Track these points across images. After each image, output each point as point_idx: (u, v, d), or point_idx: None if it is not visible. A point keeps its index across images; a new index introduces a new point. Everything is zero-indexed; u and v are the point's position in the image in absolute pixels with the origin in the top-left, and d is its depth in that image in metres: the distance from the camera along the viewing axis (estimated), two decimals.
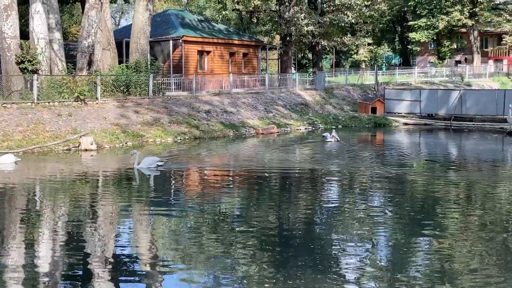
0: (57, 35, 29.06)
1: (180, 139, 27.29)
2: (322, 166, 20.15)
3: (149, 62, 32.81)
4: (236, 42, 43.13)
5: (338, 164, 20.56)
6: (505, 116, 31.26)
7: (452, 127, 34.19)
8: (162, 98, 31.14)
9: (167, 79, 34.10)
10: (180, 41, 38.39)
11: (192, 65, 39.10)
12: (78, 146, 23.52)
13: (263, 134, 30.11)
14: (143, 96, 30.25)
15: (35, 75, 26.18)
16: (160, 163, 18.79)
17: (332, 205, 13.88)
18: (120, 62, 33.78)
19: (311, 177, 18.03)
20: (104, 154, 23.03)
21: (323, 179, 17.57)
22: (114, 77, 29.88)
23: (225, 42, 42.01)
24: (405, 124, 36.21)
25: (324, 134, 28.98)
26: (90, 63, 29.47)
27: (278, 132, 31.20)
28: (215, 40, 41.20)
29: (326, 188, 16.28)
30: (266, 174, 18.41)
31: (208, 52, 40.72)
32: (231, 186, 16.52)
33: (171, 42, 38.54)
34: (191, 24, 42.25)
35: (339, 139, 27.15)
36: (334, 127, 33.69)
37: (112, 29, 35.41)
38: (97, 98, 27.95)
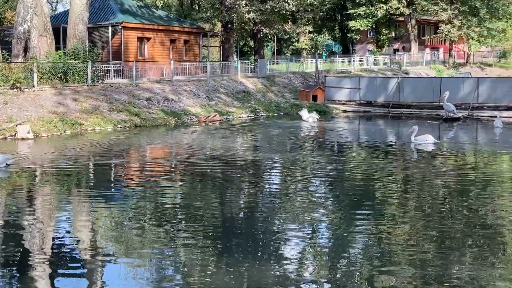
0: None
1: (121, 127, 26.87)
2: (264, 153, 20.24)
3: (87, 49, 32.09)
4: (177, 28, 42.66)
5: (279, 151, 20.70)
6: (441, 103, 32.12)
7: (390, 114, 34.93)
8: (102, 85, 30.54)
9: (107, 66, 33.45)
10: (120, 27, 37.67)
11: (132, 52, 38.47)
12: (15, 135, 22.83)
13: (205, 122, 29.97)
14: (82, 84, 29.59)
15: None
16: (9, 162, 16.28)
17: (274, 192, 13.98)
18: (57, 48, 32.88)
19: (253, 164, 18.09)
20: (38, 143, 22.44)
21: (265, 166, 17.66)
22: (51, 64, 29.09)
23: (166, 29, 41.49)
24: (345, 111, 36.75)
25: (301, 113, 30.67)
26: (26, 50, 28.58)
27: (220, 120, 31.12)
28: (156, 27, 40.63)
29: (268, 176, 16.38)
30: (207, 163, 18.37)
31: (148, 39, 40.13)
32: (164, 177, 16.41)
33: (110, 28, 37.76)
34: (131, 10, 41.48)
35: (318, 118, 29.63)
36: (278, 114, 33.95)
37: (49, 15, 34.41)
38: (33, 86, 27.17)
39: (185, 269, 8.42)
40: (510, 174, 16.39)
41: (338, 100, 38.42)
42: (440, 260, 8.63)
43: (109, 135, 24.81)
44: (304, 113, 30.91)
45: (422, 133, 22.16)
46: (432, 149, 20.64)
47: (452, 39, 56.16)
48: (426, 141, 21.48)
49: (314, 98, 38.14)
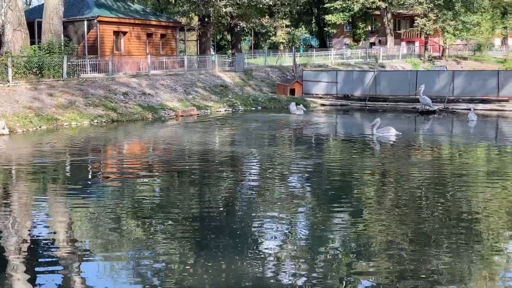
0: None
1: (97, 122, 26.67)
2: (242, 148, 20.26)
3: (62, 43, 31.74)
4: (153, 22, 42.39)
5: (258, 145, 20.73)
6: (417, 96, 32.42)
7: (367, 107, 35.15)
8: (77, 80, 30.25)
9: (82, 61, 33.13)
10: (95, 21, 37.31)
11: (108, 46, 38.14)
12: None
13: (182, 116, 29.88)
14: (57, 79, 29.27)
15: None
16: None
17: (252, 186, 14.01)
18: (32, 43, 32.45)
19: (232, 159, 18.10)
20: (13, 139, 22.20)
21: (243, 161, 17.68)
22: (26, 58, 28.72)
23: (142, 23, 41.20)
24: (323, 105, 36.90)
25: (289, 106, 31.92)
26: (0, 45, 28.16)
27: (198, 114, 31.03)
28: (132, 21, 40.32)
29: (246, 170, 16.41)
30: (185, 158, 18.34)
31: (124, 33, 39.82)
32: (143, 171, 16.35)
33: (85, 22, 37.38)
34: (107, 4, 41.09)
35: (304, 111, 30.71)
36: (256, 108, 34.01)
37: (24, 9, 33.90)
38: (8, 81, 26.81)
39: (164, 264, 8.42)
40: (484, 167, 16.62)
41: (316, 94, 38.56)
42: (416, 254, 8.74)
43: (85, 130, 24.62)
44: (292, 106, 31.96)
45: (385, 126, 22.65)
46: (394, 141, 20.89)
47: (428, 33, 56.65)
48: (388, 133, 21.85)
49: (292, 91, 38.23)
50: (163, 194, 13.10)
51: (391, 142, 20.84)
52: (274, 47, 67.11)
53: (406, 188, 13.34)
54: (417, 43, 63.93)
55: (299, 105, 32.26)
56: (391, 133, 21.83)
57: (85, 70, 32.78)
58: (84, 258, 8.77)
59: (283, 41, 65.35)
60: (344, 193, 12.88)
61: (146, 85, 32.73)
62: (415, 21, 56.85)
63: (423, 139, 23.03)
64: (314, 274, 8.06)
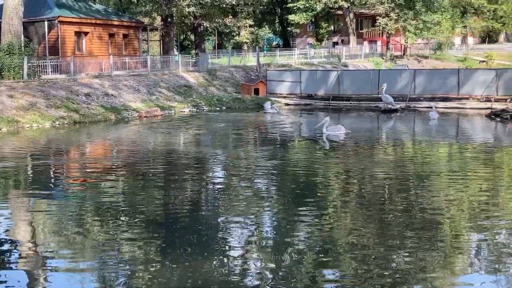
0: None
1: (59, 124, 26.27)
2: (207, 148, 20.21)
3: (23, 44, 31.17)
4: (115, 22, 41.94)
5: (222, 146, 20.70)
6: (379, 95, 32.78)
7: (331, 106, 35.40)
8: (38, 81, 29.74)
9: (43, 62, 32.60)
10: (56, 21, 36.73)
11: (70, 47, 37.60)
12: None
13: (146, 117, 29.65)
14: (18, 80, 28.75)
15: None
16: None
17: (218, 186, 13.99)
18: None
19: (196, 160, 18.02)
20: None
21: (208, 162, 17.63)
22: None
23: (104, 23, 40.72)
24: (287, 104, 37.01)
25: (264, 105, 32.49)
26: None
27: (162, 114, 30.83)
28: (94, 21, 39.83)
29: (211, 170, 16.37)
30: (149, 160, 18.20)
31: (86, 33, 39.30)
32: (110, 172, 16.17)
33: (46, 23, 36.77)
34: (67, 4, 40.49)
35: (278, 111, 31.38)
36: (220, 108, 33.96)
37: None
38: None
39: (129, 267, 8.33)
40: (446, 166, 16.91)
41: (280, 93, 38.67)
42: (381, 251, 8.84)
43: (47, 132, 24.22)
44: (267, 105, 32.63)
45: (334, 124, 23.18)
46: (343, 140, 21.17)
47: (389, 32, 57.32)
48: (339, 131, 22.20)
49: (256, 91, 38.27)
50: (127, 196, 12.96)
51: (350, 141, 21.03)
52: (238, 47, 67.12)
53: (370, 188, 13.48)
54: (379, 43, 64.65)
55: (273, 104, 32.96)
56: (341, 131, 22.16)
57: (46, 71, 32.26)
58: (47, 262, 8.62)
59: (247, 41, 65.41)
60: (308, 193, 12.94)
61: (108, 86, 32.37)
62: (377, 21, 57.45)
63: (386, 138, 23.32)
64: (280, 274, 8.08)
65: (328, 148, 20.20)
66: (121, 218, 10.81)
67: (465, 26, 72.95)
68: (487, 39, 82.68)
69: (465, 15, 71.19)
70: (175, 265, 8.26)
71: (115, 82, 33.31)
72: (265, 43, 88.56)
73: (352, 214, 11.05)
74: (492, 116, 28.02)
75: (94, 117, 28.11)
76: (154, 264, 8.36)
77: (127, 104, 31.19)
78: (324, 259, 8.62)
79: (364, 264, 8.35)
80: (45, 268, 8.39)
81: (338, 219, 10.71)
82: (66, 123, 26.59)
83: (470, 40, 78.31)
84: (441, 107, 31.98)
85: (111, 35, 41.28)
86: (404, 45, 60.74)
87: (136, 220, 10.60)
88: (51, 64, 33.07)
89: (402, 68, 45.12)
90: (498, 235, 9.55)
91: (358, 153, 18.72)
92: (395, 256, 8.61)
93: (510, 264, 8.38)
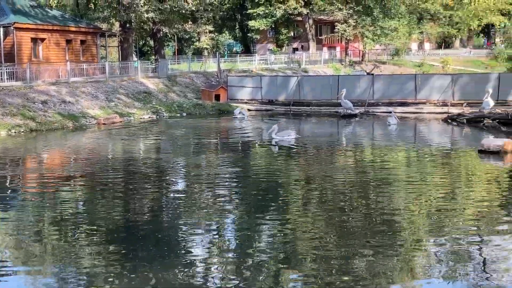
0: None
1: (15, 132, 25.69)
2: (167, 155, 20.04)
3: None
4: (72, 29, 41.29)
5: (183, 153, 20.56)
6: (339, 100, 33.05)
7: (292, 112, 35.55)
8: None
9: None
10: (12, 28, 35.93)
11: (26, 54, 36.84)
12: None
13: (105, 124, 29.25)
14: None
15: None
16: None
17: (178, 194, 13.87)
18: None
19: (156, 168, 17.84)
20: None
21: (168, 169, 17.47)
22: None
23: (61, 29, 40.03)
24: (248, 110, 36.95)
25: (234, 111, 33.17)
26: None
27: (121, 121, 30.46)
28: (50, 27, 39.12)
29: (171, 178, 16.22)
30: (108, 168, 17.95)
31: (42, 40, 38.60)
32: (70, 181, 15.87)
33: (1, 29, 35.92)
34: (23, 10, 39.67)
35: (245, 116, 31.84)
36: (181, 114, 33.77)
37: None
38: None
39: (89, 276, 8.17)
40: (405, 169, 17.13)
41: (241, 99, 38.65)
42: (342, 254, 8.89)
43: (2, 141, 23.66)
44: (237, 110, 33.23)
45: (284, 130, 23.40)
46: (293, 145, 21.29)
47: (348, 38, 57.90)
48: (288, 136, 22.32)
49: (217, 97, 38.17)
50: (86, 205, 12.73)
51: (310, 146, 21.14)
52: (199, 53, 66.94)
53: (330, 193, 13.55)
54: (338, 48, 65.28)
55: (242, 110, 33.47)
56: (292, 136, 22.26)
57: (1, 78, 31.55)
58: (4, 272, 8.38)
59: (207, 46, 65.28)
60: (270, 199, 12.93)
61: (66, 93, 31.84)
62: (336, 27, 57.97)
63: (346, 143, 23.51)
64: (243, 278, 8.04)
65: (284, 153, 20.25)
66: (80, 228, 10.60)
67: (421, 32, 74.22)
68: (443, 44, 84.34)
69: (421, 21, 72.42)
70: (134, 275, 8.14)
71: (73, 89, 32.79)
72: (226, 48, 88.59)
73: (313, 219, 11.07)
74: (449, 120, 28.53)
75: (51, 125, 27.58)
76: (113, 274, 8.21)
77: (85, 111, 30.73)
78: (286, 263, 8.62)
79: (325, 268, 8.38)
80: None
81: (299, 224, 10.71)
82: (22, 131, 26.03)
83: (427, 45, 79.71)
84: (399, 112, 32.42)
85: (69, 42, 40.63)
86: (363, 51, 61.44)
87: (95, 229, 10.42)
88: (6, 71, 32.35)
89: (361, 74, 45.62)
90: (457, 239, 9.69)
91: (319, 159, 18.82)
92: (356, 260, 8.66)
93: (468, 267, 8.51)
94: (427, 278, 8.19)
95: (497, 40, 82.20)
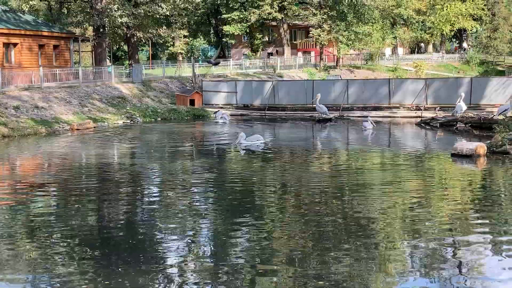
0: None
1: None
2: (141, 161, 19.90)
3: None
4: (45, 33, 40.84)
5: (157, 158, 20.43)
6: (314, 105, 33.17)
7: (267, 116, 35.59)
8: None
9: None
10: None
11: None
12: None
13: (78, 129, 28.93)
14: None
15: None
16: None
17: (153, 200, 13.77)
18: None
19: (131, 174, 17.70)
20: None
21: (143, 175, 17.34)
22: None
23: (34, 34, 39.57)
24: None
25: (216, 113, 33.78)
26: None
27: (94, 127, 30.17)
28: (23, 32, 38.64)
29: (146, 184, 16.10)
30: (82, 174, 17.76)
31: (15, 45, 38.09)
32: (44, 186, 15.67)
33: None
34: None
35: (227, 121, 31.89)
36: (155, 119, 33.59)
37: None
38: None
39: (61, 284, 8.05)
40: (379, 173, 17.24)
41: (216, 104, 38.58)
42: (318, 259, 8.90)
43: None
44: (219, 113, 33.69)
45: (251, 134, 23.29)
46: (269, 149, 21.34)
47: (322, 43, 58.18)
48: (257, 141, 22.45)
49: (192, 102, 38.05)
50: (60, 213, 12.56)
51: (286, 151, 21.17)
52: (173, 58, 66.70)
53: (306, 197, 13.57)
54: (312, 53, 65.54)
55: (224, 114, 33.70)
56: (260, 140, 22.41)
57: None
58: None
59: (182, 51, 65.10)
60: (246, 203, 12.91)
61: (38, 98, 31.47)
62: (310, 32, 58.21)
63: (321, 147, 23.59)
64: (219, 283, 8.02)
65: (265, 158, 20.25)
66: (54, 236, 10.46)
67: (395, 37, 74.91)
68: (416, 49, 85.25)
69: (395, 26, 73.13)
70: (108, 281, 8.04)
71: (46, 94, 32.42)
72: (201, 53, 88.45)
73: (288, 223, 11.08)
74: (422, 124, 28.82)
75: (23, 131, 27.21)
76: (87, 281, 8.11)
77: (58, 116, 30.38)
78: (262, 268, 8.60)
79: (301, 272, 8.39)
80: None
81: (275, 229, 10.70)
82: None
83: (400, 50, 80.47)
84: (373, 116, 32.63)
85: (41, 46, 40.18)
86: (337, 56, 61.81)
87: (69, 236, 10.28)
88: None
89: (335, 78, 45.86)
90: (430, 241, 9.77)
91: (294, 163, 18.85)
92: (332, 264, 8.68)
93: (442, 268, 8.58)
94: (402, 280, 8.23)
95: (464, 44, 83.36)
